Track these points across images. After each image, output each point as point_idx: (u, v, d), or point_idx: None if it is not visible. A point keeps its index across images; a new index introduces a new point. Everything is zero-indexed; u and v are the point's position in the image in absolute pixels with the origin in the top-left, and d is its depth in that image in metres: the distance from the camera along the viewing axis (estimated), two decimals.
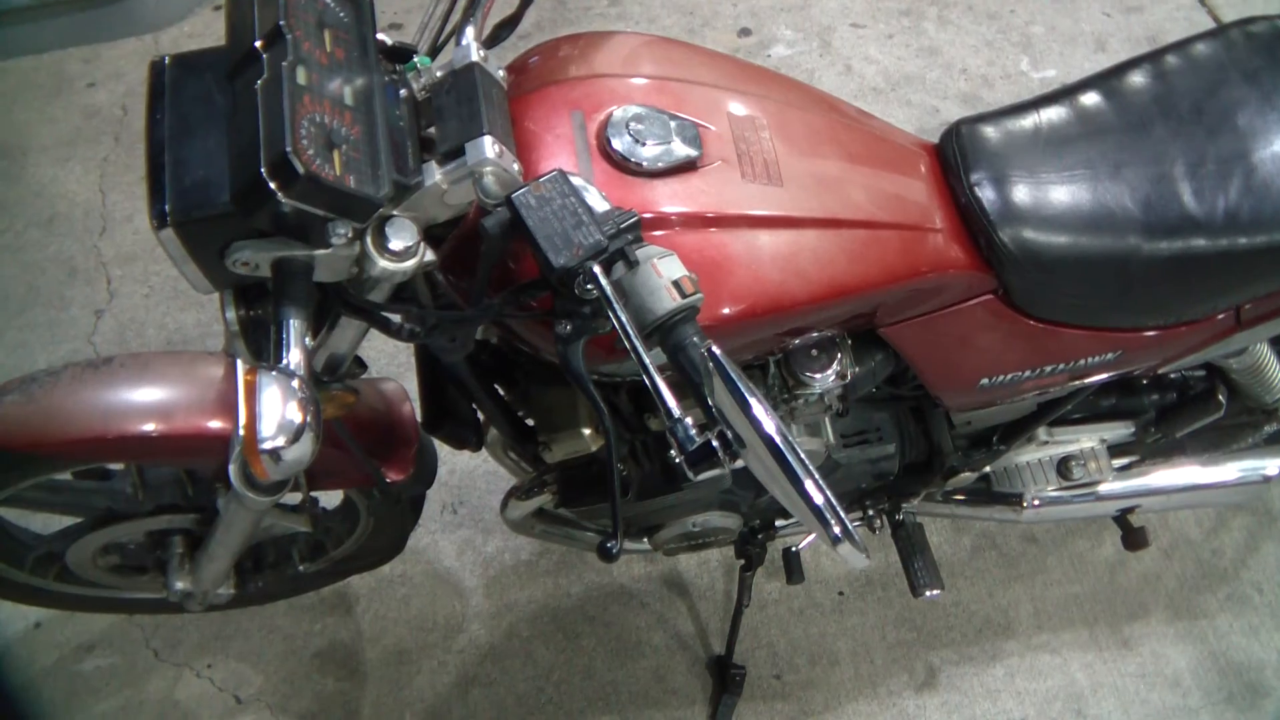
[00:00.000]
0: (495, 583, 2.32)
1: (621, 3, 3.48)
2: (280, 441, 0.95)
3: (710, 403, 0.95)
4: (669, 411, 0.95)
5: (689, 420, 0.95)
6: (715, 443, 0.93)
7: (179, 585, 1.66)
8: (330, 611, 2.26)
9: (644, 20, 3.43)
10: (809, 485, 0.92)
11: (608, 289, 0.97)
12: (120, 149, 3.02)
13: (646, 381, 0.97)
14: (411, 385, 1.59)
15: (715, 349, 0.96)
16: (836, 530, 0.93)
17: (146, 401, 1.40)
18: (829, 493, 0.93)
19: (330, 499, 1.79)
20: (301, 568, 1.95)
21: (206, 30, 3.34)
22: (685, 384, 0.98)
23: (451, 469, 2.42)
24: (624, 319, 0.97)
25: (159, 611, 2.04)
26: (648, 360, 0.96)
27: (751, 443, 0.93)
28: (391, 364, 2.55)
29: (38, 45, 3.24)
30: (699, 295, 1.00)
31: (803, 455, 0.93)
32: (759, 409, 0.92)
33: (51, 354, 2.60)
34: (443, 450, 1.74)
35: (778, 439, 0.92)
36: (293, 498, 1.54)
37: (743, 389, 0.93)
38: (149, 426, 1.38)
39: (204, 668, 2.19)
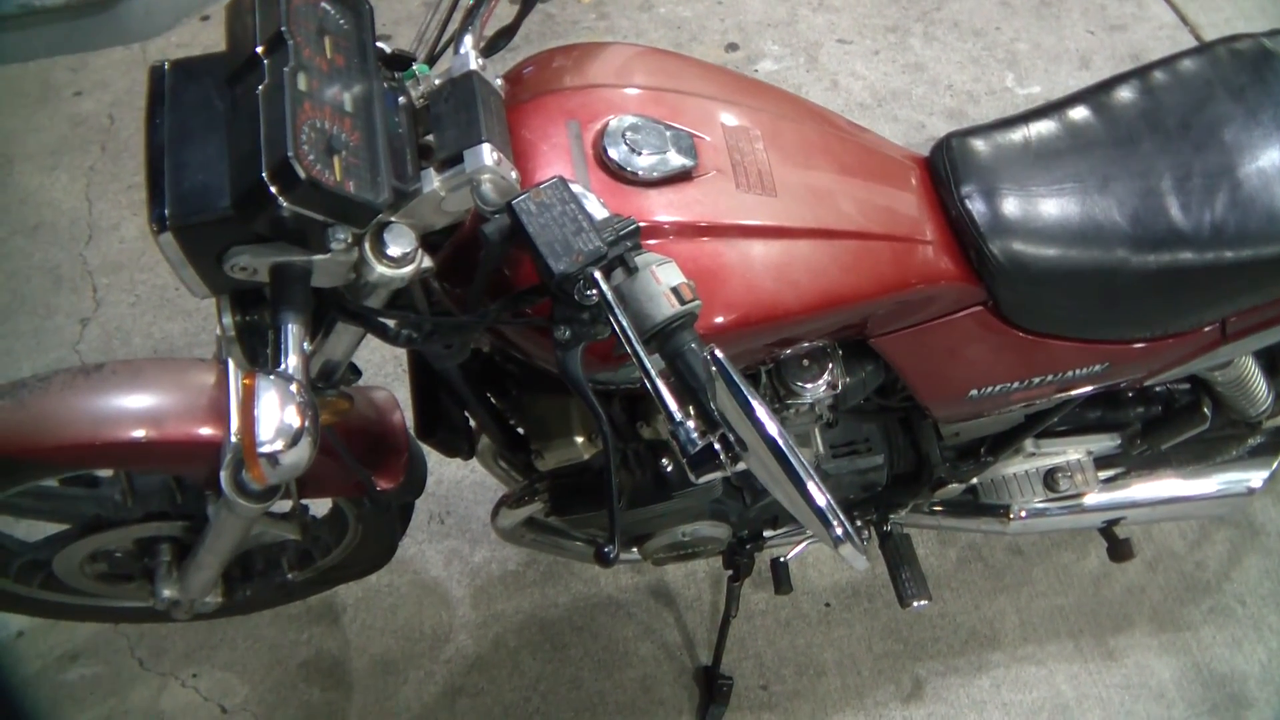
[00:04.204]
0: (482, 593, 2.31)
1: (609, 16, 3.49)
2: (279, 445, 0.95)
3: (713, 406, 0.96)
4: (671, 414, 0.96)
5: (691, 424, 0.95)
6: (717, 445, 0.94)
7: (166, 593, 1.65)
8: (317, 621, 2.26)
9: (632, 34, 3.44)
10: (811, 487, 0.94)
11: (608, 294, 0.98)
12: (106, 158, 3.01)
13: (647, 385, 0.97)
14: (402, 394, 1.59)
15: (719, 353, 0.97)
16: (839, 531, 0.94)
17: (137, 408, 1.39)
18: (829, 495, 0.94)
19: (319, 507, 1.78)
20: (289, 576, 1.94)
21: (194, 40, 3.33)
22: (683, 389, 0.98)
23: (439, 479, 2.42)
24: (624, 323, 0.98)
25: (145, 620, 2.03)
26: (648, 364, 0.97)
27: (754, 446, 0.94)
28: (379, 373, 2.54)
29: (25, 53, 3.23)
30: (697, 302, 1.00)
31: (803, 458, 0.93)
32: (762, 412, 0.93)
33: (36, 362, 2.58)
34: (430, 460, 1.74)
35: (780, 442, 0.93)
36: (282, 505, 1.55)
37: (746, 392, 0.94)
38: (140, 433, 1.37)
39: (189, 677, 2.17)
